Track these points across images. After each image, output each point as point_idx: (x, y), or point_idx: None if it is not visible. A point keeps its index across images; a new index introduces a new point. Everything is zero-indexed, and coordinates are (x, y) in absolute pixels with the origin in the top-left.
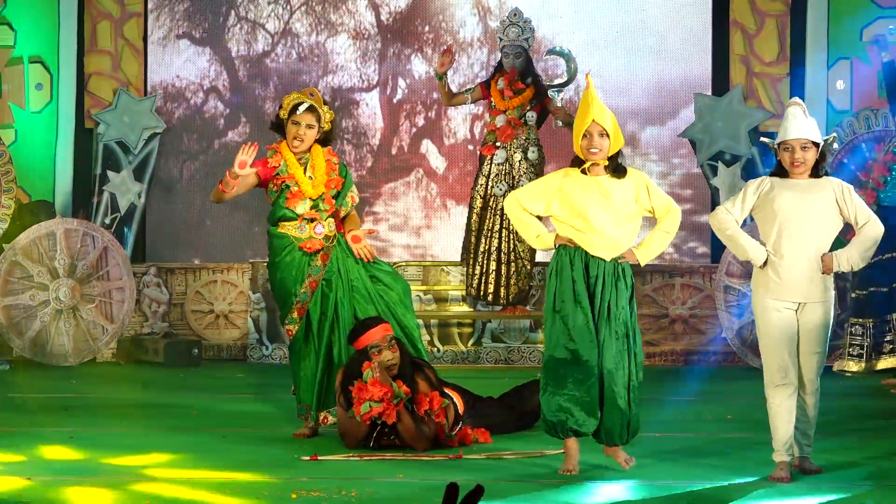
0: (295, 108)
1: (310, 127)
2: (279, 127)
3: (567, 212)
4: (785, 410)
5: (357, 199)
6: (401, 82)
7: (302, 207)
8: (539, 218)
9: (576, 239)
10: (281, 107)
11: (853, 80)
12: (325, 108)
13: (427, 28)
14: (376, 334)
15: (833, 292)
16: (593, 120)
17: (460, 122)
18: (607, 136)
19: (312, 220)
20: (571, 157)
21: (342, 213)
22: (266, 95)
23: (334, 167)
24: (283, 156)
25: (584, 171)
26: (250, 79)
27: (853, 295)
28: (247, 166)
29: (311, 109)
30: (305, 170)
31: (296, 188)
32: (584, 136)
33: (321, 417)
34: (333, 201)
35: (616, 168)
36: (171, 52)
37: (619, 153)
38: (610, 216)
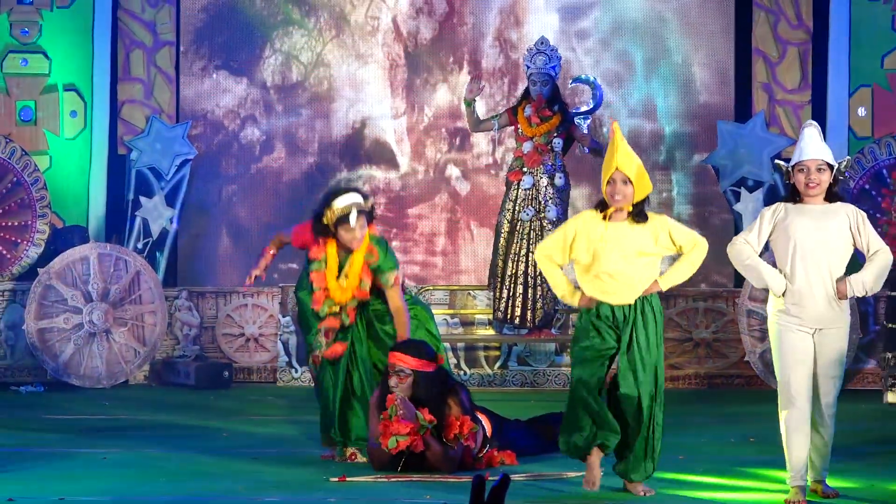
0: (343, 220)
1: (361, 227)
2: (324, 230)
3: (585, 257)
4: (800, 434)
5: (400, 279)
6: (427, 110)
7: (324, 310)
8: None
9: (597, 290)
10: (323, 215)
11: (874, 106)
12: (368, 203)
13: (451, 59)
14: (392, 357)
15: (849, 317)
16: (617, 167)
17: (484, 147)
18: (631, 183)
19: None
20: (599, 199)
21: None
22: (300, 123)
23: (368, 273)
24: (326, 253)
25: (608, 217)
26: (285, 107)
27: (890, 326)
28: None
29: (361, 212)
30: (339, 273)
31: (320, 290)
32: (609, 182)
33: (349, 454)
34: (354, 313)
35: (638, 214)
36: (209, 81)
37: (644, 200)
38: (627, 260)
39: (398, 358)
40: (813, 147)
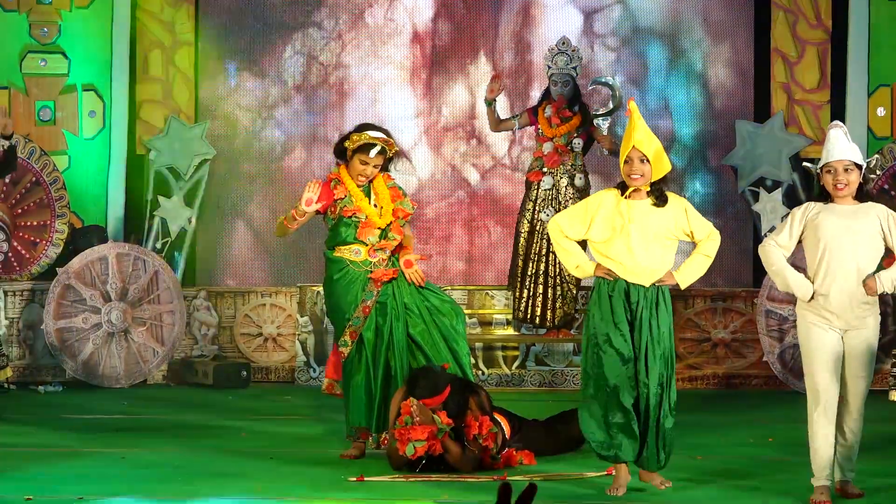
0: (366, 147)
1: (376, 167)
2: (341, 153)
3: (604, 235)
4: (826, 434)
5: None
6: (444, 111)
7: (373, 238)
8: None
9: (614, 267)
10: (348, 138)
11: (894, 106)
12: (392, 145)
13: (468, 60)
14: (406, 407)
15: (878, 317)
16: (634, 146)
17: (501, 147)
18: (648, 162)
19: (376, 249)
20: (619, 180)
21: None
22: (319, 123)
23: (399, 194)
24: (346, 187)
25: (627, 196)
26: (304, 107)
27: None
28: (313, 203)
29: (381, 152)
30: (370, 199)
31: (364, 219)
32: (626, 161)
33: (382, 438)
34: (402, 230)
35: (658, 195)
36: (228, 81)
37: (663, 179)
38: (646, 241)
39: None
40: (839, 148)
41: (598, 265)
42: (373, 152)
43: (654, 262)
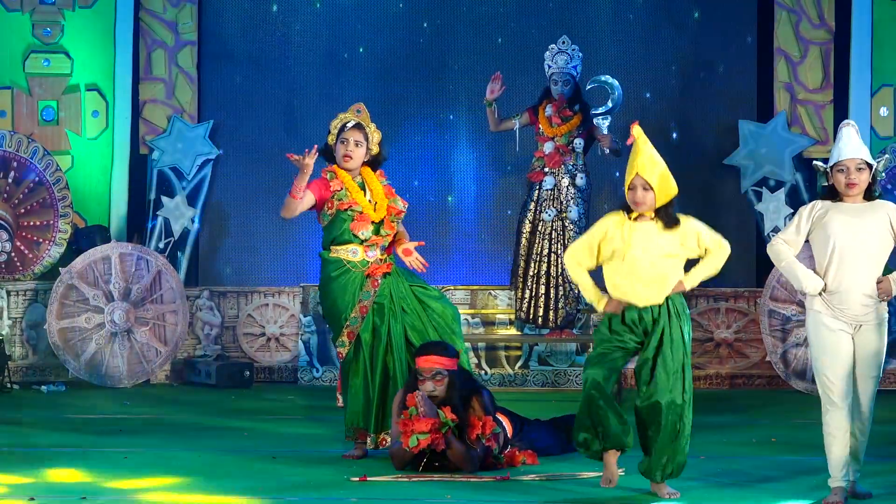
0: (342, 126)
1: (357, 144)
2: (329, 153)
3: (612, 256)
4: (841, 434)
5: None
6: (449, 113)
7: (366, 232)
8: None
9: (624, 294)
10: (329, 132)
11: None
12: (373, 126)
13: (472, 61)
14: (427, 362)
15: (887, 315)
16: (637, 173)
17: (501, 146)
18: (651, 189)
19: (369, 245)
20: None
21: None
22: (322, 123)
23: (392, 192)
24: (341, 180)
25: (633, 218)
26: (308, 107)
27: None
28: (309, 160)
29: (357, 126)
30: (365, 194)
31: (360, 213)
32: (630, 188)
33: (380, 439)
34: (394, 226)
35: (667, 221)
36: (231, 81)
37: (670, 203)
38: (654, 261)
39: (435, 361)
40: (852, 146)
41: (608, 301)
42: (348, 126)
43: (663, 281)
